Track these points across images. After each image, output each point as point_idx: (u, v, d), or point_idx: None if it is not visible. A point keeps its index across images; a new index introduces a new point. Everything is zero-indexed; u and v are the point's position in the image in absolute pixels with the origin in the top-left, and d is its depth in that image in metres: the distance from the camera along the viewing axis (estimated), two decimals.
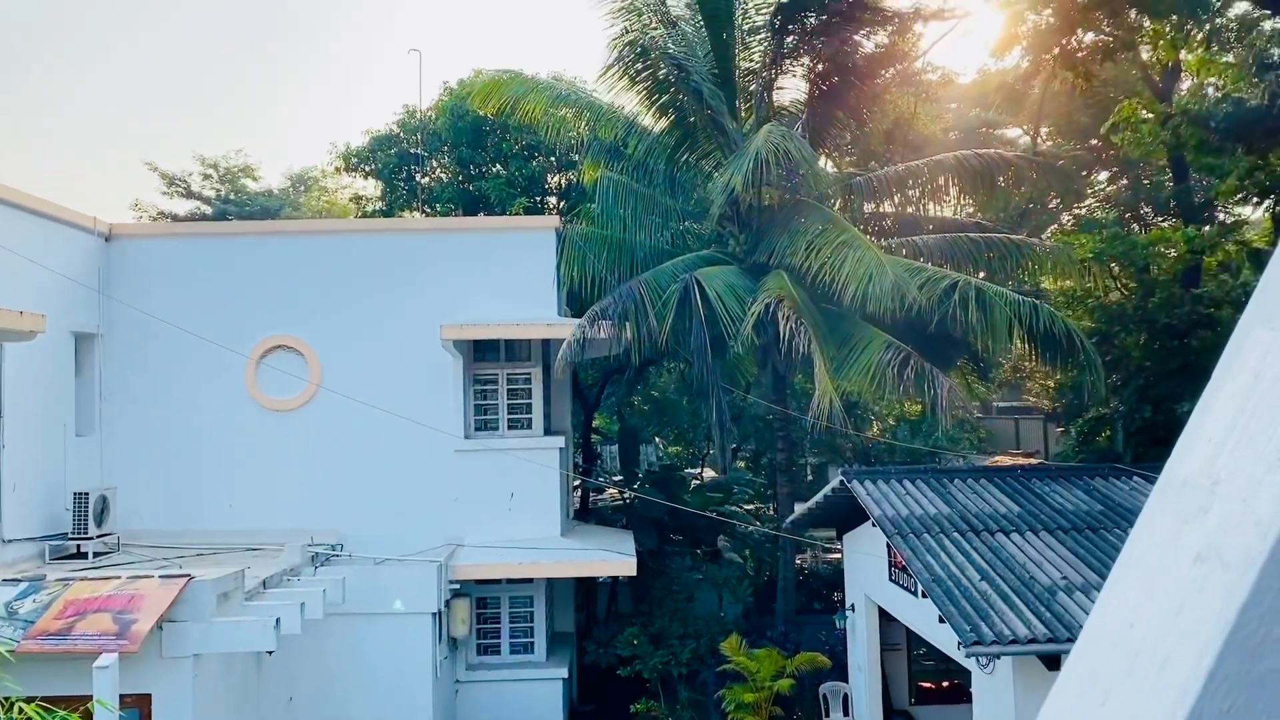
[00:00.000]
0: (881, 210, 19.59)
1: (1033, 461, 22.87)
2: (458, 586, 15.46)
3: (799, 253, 15.78)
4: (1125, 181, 25.60)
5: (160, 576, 10.61)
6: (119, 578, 10.63)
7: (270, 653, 11.18)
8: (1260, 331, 1.04)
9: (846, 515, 15.33)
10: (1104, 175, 26.87)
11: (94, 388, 15.82)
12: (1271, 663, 0.91)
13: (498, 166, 23.28)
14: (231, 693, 11.52)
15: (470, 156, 23.16)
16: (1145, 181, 24.62)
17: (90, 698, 8.13)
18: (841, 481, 14.19)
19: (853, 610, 15.55)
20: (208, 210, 33.07)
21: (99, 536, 14.00)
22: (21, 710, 4.70)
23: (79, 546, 13.88)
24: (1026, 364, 25.43)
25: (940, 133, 24.43)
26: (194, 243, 17.04)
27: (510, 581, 16.63)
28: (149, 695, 10.02)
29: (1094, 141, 24.08)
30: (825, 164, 20.70)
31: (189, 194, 33.74)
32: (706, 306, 15.30)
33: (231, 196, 33.83)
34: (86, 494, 13.95)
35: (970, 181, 18.17)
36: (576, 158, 21.81)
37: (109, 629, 9.58)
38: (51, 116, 61.96)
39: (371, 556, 14.65)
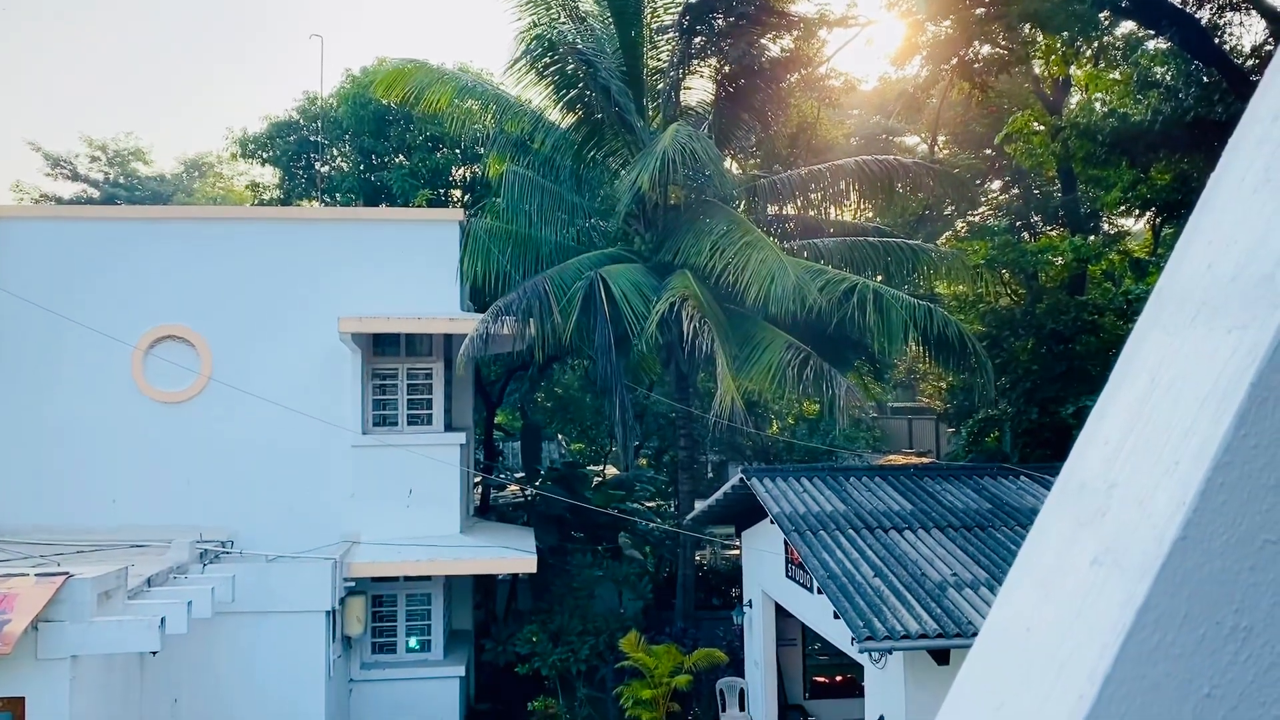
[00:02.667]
0: (784, 213, 19.88)
1: (925, 461, 23.50)
2: (353, 584, 15.13)
3: (704, 253, 15.90)
4: (1017, 190, 26.52)
5: (36, 575, 10.11)
6: None
7: (154, 653, 10.77)
8: (1156, 335, 1.06)
9: (745, 512, 15.52)
10: (997, 184, 27.78)
11: None
12: (1167, 667, 0.92)
13: (401, 157, 22.87)
14: (113, 695, 11.07)
15: (372, 146, 22.71)
16: (1036, 191, 25.54)
17: None
18: (741, 479, 14.34)
19: (750, 606, 15.74)
20: (95, 194, 31.76)
21: None
22: None
23: None
24: (921, 366, 26.16)
25: (842, 138, 24.93)
26: (79, 226, 16.30)
27: (408, 579, 16.37)
28: (22, 699, 9.55)
29: (988, 151, 24.86)
30: (731, 166, 20.92)
31: (75, 176, 32.36)
32: (611, 304, 15.31)
33: (121, 180, 32.55)
34: None
35: (870, 186, 18.57)
36: (482, 151, 21.57)
37: None
38: None
39: (263, 554, 14.24)
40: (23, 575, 10.13)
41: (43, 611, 9.53)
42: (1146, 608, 0.91)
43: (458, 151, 23.03)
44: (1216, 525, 0.91)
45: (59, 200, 31.09)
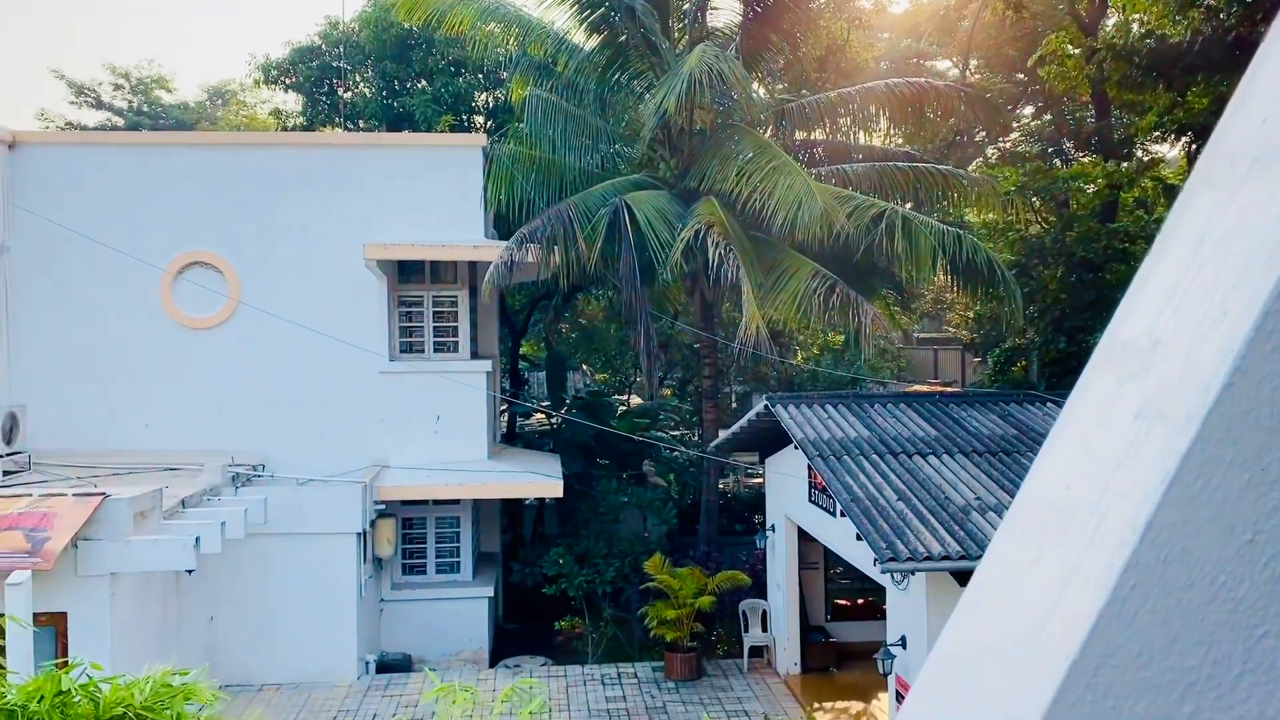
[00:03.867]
0: (812, 138, 19.60)
1: (951, 389, 23.44)
2: (383, 507, 15.41)
3: (730, 178, 15.74)
4: (1049, 116, 25.97)
5: (74, 495, 10.36)
6: (30, 496, 10.36)
7: (190, 572, 11.04)
8: (1205, 194, 1.05)
9: (769, 440, 15.59)
10: (1029, 109, 27.21)
11: (0, 302, 15.20)
12: (1209, 513, 0.93)
13: (423, 82, 22.66)
14: (150, 612, 11.39)
15: (394, 71, 22.50)
16: (1068, 116, 25.01)
17: (1, 616, 7.94)
18: (766, 406, 14.39)
19: (773, 531, 15.90)
20: (119, 122, 31.73)
21: (9, 455, 13.60)
22: None
23: None
24: (948, 294, 25.94)
25: (872, 61, 24.44)
26: (106, 152, 16.33)
27: (437, 503, 16.63)
28: (64, 614, 9.86)
29: (1021, 75, 24.31)
30: (758, 89, 20.57)
31: (99, 104, 32.30)
32: (636, 232, 15.23)
33: (145, 108, 32.48)
34: None
35: (900, 111, 18.25)
36: (505, 75, 21.33)
37: (21, 546, 9.35)
38: None
39: (294, 477, 14.49)
40: (61, 495, 10.39)
41: (81, 530, 9.78)
42: (1190, 454, 0.92)
43: (480, 76, 22.80)
44: (1265, 372, 0.91)
45: (84, 129, 31.09)
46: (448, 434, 16.04)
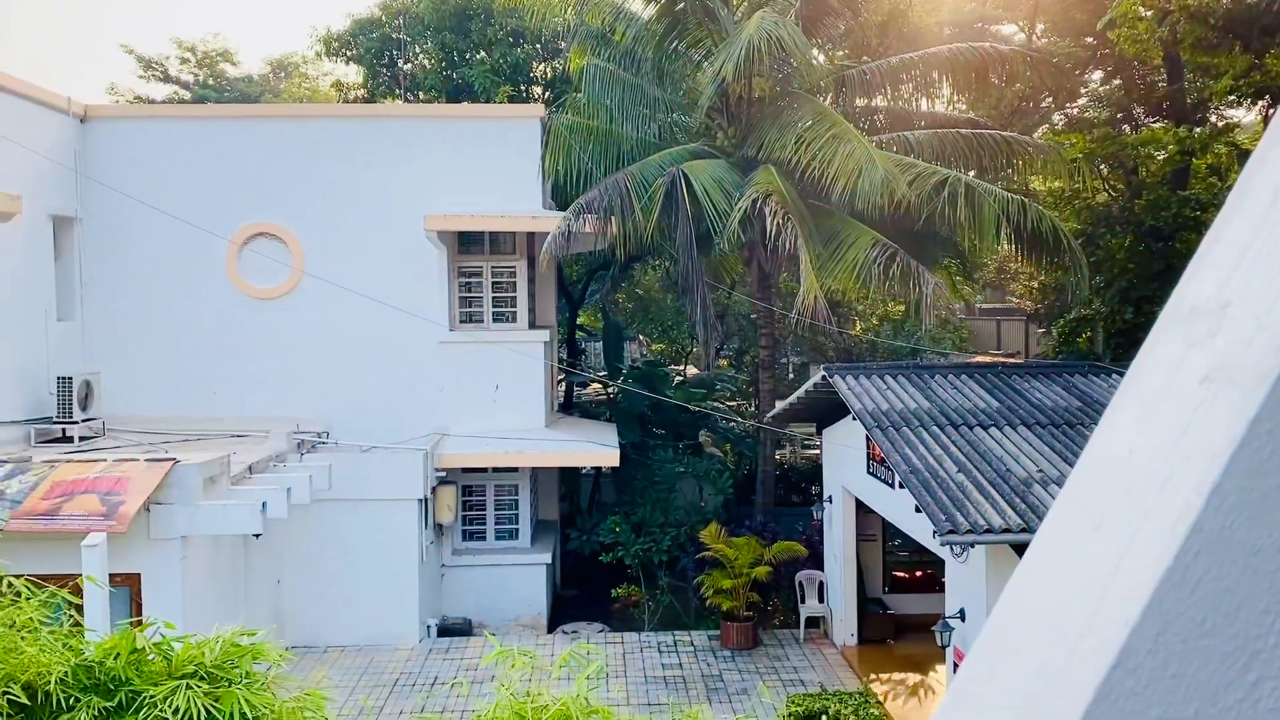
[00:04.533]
0: (873, 105, 19.29)
1: (1013, 360, 23.06)
2: (443, 475, 15.65)
3: (788, 146, 15.57)
4: (1119, 81, 25.23)
5: (146, 460, 10.67)
6: (105, 461, 10.69)
7: (257, 536, 11.33)
8: (1278, 154, 1.01)
9: (827, 411, 15.50)
10: (1098, 74, 26.45)
11: (74, 272, 15.65)
12: (1277, 479, 0.91)
13: (482, 53, 22.71)
14: (220, 574, 11.72)
15: (453, 42, 22.58)
16: (1139, 81, 24.27)
17: (78, 576, 8.23)
18: (824, 377, 14.29)
19: (830, 502, 15.84)
20: (185, 95, 32.28)
21: (84, 421, 14.02)
22: (11, 585, 4.75)
23: (64, 430, 13.90)
24: (1012, 264, 25.46)
25: (935, 26, 23.92)
26: (173, 125, 16.65)
27: (496, 471, 16.83)
28: (138, 575, 10.18)
29: (1089, 39, 23.61)
30: (818, 55, 20.28)
31: (166, 78, 32.88)
32: (693, 201, 15.16)
33: (210, 81, 32.99)
34: (70, 378, 13.91)
35: (963, 77, 17.87)
36: (562, 45, 21.29)
37: (96, 510, 9.67)
38: None
39: (358, 444, 14.76)
40: (133, 460, 10.70)
41: (154, 494, 10.08)
42: (1260, 418, 0.90)
43: (538, 46, 22.78)
44: None
45: (151, 102, 31.69)
46: (506, 403, 16.20)
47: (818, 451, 19.43)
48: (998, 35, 25.98)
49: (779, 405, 16.45)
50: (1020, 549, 9.89)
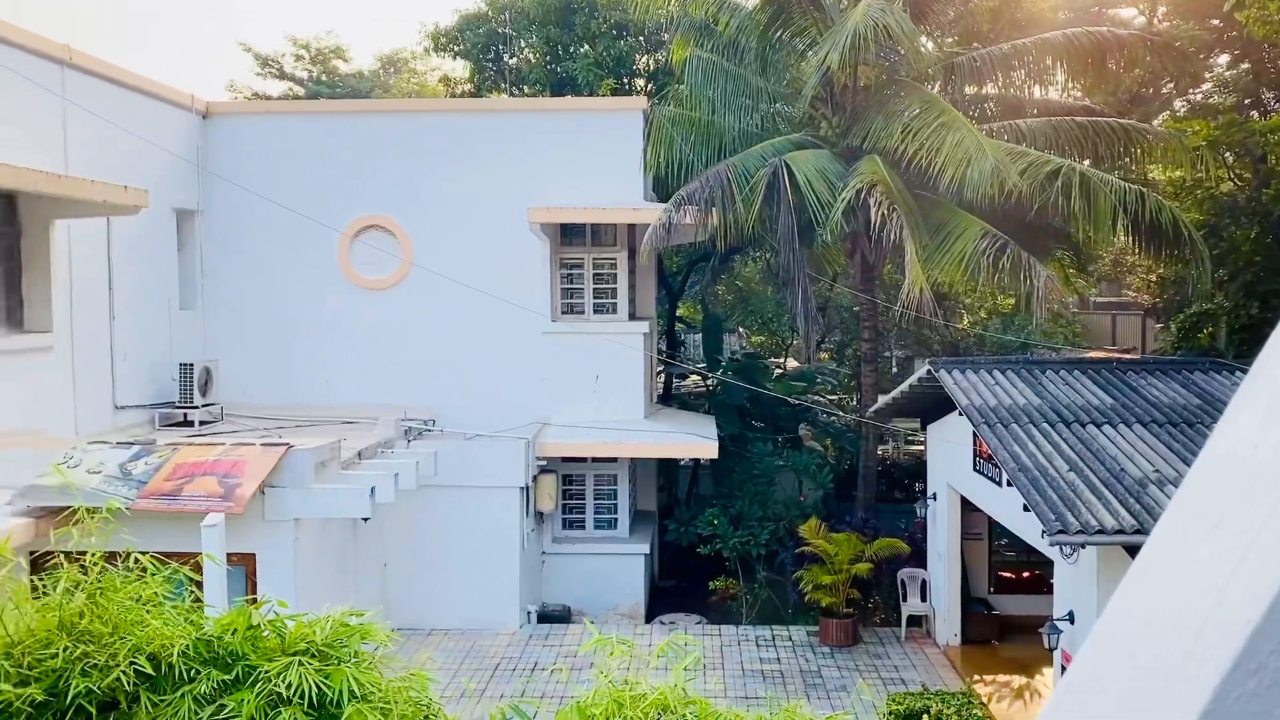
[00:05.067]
0: (983, 93, 18.79)
1: (1129, 356, 22.25)
2: (544, 463, 15.88)
3: (894, 136, 15.29)
4: (1247, 65, 24.05)
5: (261, 444, 11.07)
6: (223, 444, 11.13)
7: (366, 520, 11.66)
8: None
9: (931, 406, 15.20)
10: (1224, 58, 25.26)
11: (195, 263, 16.33)
12: None
13: (585, 46, 22.88)
14: (330, 557, 12.10)
15: (558, 36, 22.80)
16: (1269, 65, 23.09)
17: (197, 555, 8.61)
18: (929, 371, 14.02)
19: (934, 499, 15.54)
20: (300, 91, 33.29)
21: (204, 406, 14.63)
22: (138, 561, 4.96)
23: (185, 415, 14.54)
24: (1129, 256, 24.55)
25: (1049, 11, 23.16)
26: (289, 121, 17.23)
27: (595, 460, 17.00)
28: (253, 555, 10.58)
29: (1215, 21, 22.56)
30: (926, 42, 19.82)
31: (282, 75, 33.95)
32: (795, 192, 15.01)
33: (323, 78, 33.96)
34: (191, 365, 14.54)
35: (1079, 63, 17.26)
36: (665, 37, 21.29)
37: (215, 491, 10.08)
38: None
39: (462, 432, 15.06)
40: (249, 445, 11.11)
41: (268, 478, 10.46)
42: None
43: (641, 39, 22.83)
44: None
45: (268, 98, 32.81)
46: (606, 394, 16.33)
47: (921, 447, 19.08)
48: (1116, 19, 25.02)
49: (882, 400, 16.19)
50: (1134, 551, 9.54)
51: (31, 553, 8.31)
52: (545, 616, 15.72)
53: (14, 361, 11.62)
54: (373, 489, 10.93)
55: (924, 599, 15.50)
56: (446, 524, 14.97)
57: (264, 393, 16.28)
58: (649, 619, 16.30)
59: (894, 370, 26.44)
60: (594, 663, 4.74)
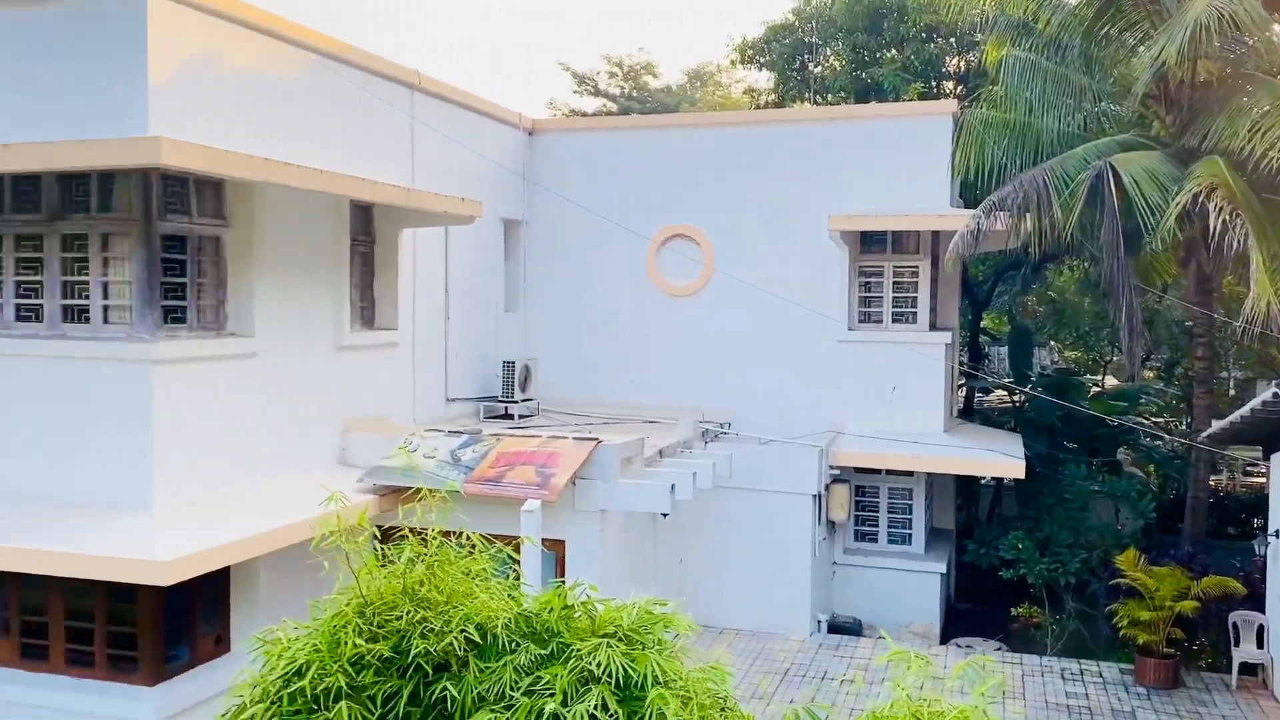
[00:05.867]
0: None
1: None
2: (837, 472, 15.78)
3: (1239, 135, 13.86)
4: None
5: (573, 438, 11.82)
6: (540, 437, 11.98)
7: (665, 515, 12.14)
8: None
9: (1276, 432, 13.65)
10: None
11: (519, 269, 17.66)
12: None
13: (892, 51, 22.49)
14: (631, 548, 12.70)
15: (864, 42, 22.57)
16: None
17: (512, 538, 9.32)
18: (1275, 394, 12.60)
19: (1275, 536, 13.95)
20: (612, 107, 35.01)
21: (522, 401, 15.79)
22: (468, 539, 5.43)
23: (506, 408, 15.75)
24: None
25: None
26: (602, 136, 18.24)
27: (890, 473, 16.68)
28: (563, 541, 11.32)
29: None
30: None
31: (596, 92, 35.84)
32: (1121, 196, 13.98)
33: (634, 93, 35.50)
34: (513, 363, 15.74)
35: None
36: (979, 38, 20.50)
37: (532, 480, 10.88)
38: (475, 21, 68.00)
39: (756, 436, 15.29)
40: (563, 438, 11.89)
41: (579, 470, 11.15)
42: None
43: (952, 41, 22.12)
44: None
45: (583, 115, 34.75)
46: (903, 405, 15.98)
47: (1262, 479, 17.15)
48: None
49: (1216, 424, 14.72)
50: None
51: (377, 526, 9.35)
52: (835, 627, 15.61)
53: (365, 356, 13.11)
54: (673, 486, 11.37)
55: (1261, 646, 13.94)
56: (739, 526, 15.25)
57: (574, 390, 17.35)
58: (944, 640, 15.76)
59: (1232, 391, 23.94)
60: (886, 677, 4.72)
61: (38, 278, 10.36)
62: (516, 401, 15.67)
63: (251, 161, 9.76)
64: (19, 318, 10.44)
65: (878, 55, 22.74)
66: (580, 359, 17.58)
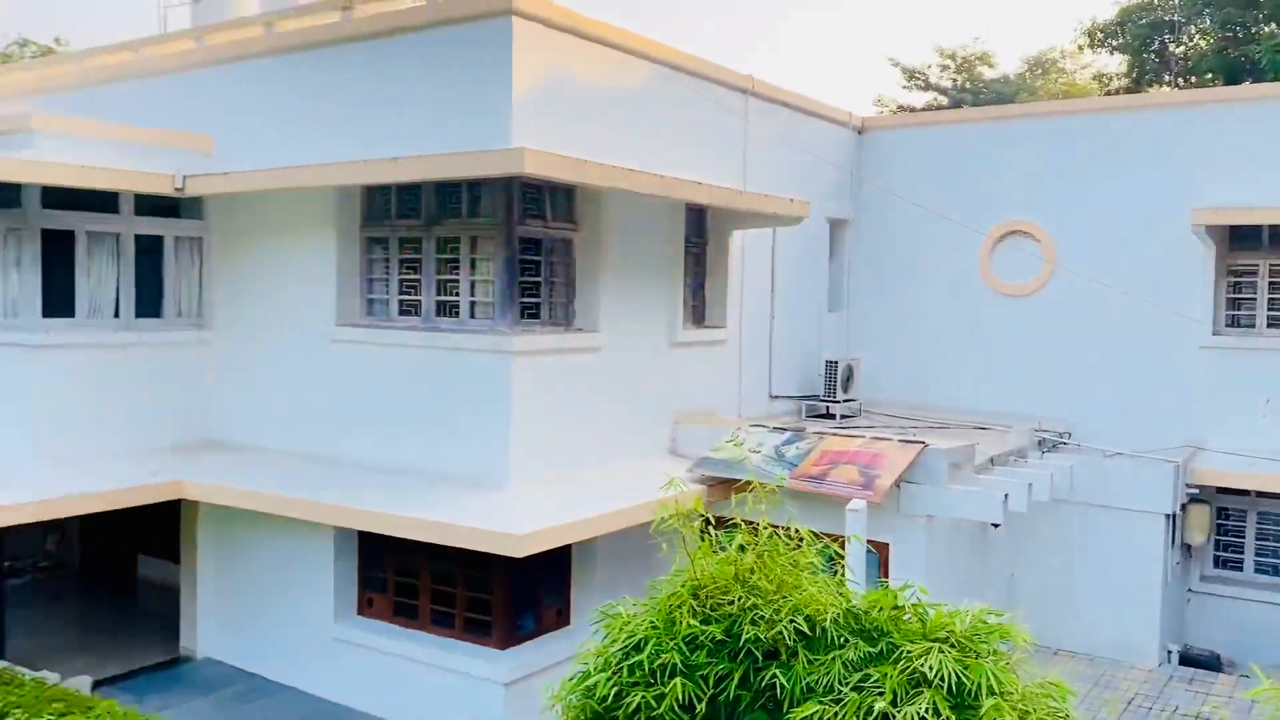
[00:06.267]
0: None
1: None
2: (1195, 491, 14.37)
3: None
4: None
5: (899, 441, 11.62)
6: (863, 437, 11.89)
7: (996, 526, 11.63)
8: None
9: None
10: None
11: (843, 269, 17.57)
12: None
13: (1271, 26, 20.07)
14: (957, 557, 12.28)
15: (1237, 17, 20.31)
16: None
17: (834, 537, 9.32)
18: None
19: None
20: (943, 101, 33.89)
21: (844, 400, 15.70)
22: (797, 532, 5.56)
23: (827, 408, 15.73)
24: None
25: None
26: (934, 131, 17.70)
27: (1259, 495, 14.94)
28: (887, 544, 11.16)
29: None
30: None
31: (927, 86, 34.87)
32: None
33: (967, 85, 34.17)
34: (836, 362, 15.69)
35: None
36: None
37: (855, 480, 10.83)
38: (806, 19, 68.14)
39: (1101, 449, 14.26)
40: (887, 440, 11.73)
41: (905, 473, 10.96)
42: None
43: None
44: None
45: (911, 109, 33.88)
46: (1278, 419, 14.26)
47: None
48: None
49: None
50: None
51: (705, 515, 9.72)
52: (1188, 659, 14.22)
53: (696, 351, 13.61)
54: (1006, 496, 10.88)
55: None
56: (1079, 543, 14.26)
57: (897, 391, 16.99)
58: None
59: None
60: (1252, 716, 4.31)
61: (417, 276, 11.70)
62: (838, 401, 15.61)
63: (603, 169, 10.46)
64: (401, 312, 11.84)
65: (1253, 31, 20.38)
66: (904, 360, 17.19)
